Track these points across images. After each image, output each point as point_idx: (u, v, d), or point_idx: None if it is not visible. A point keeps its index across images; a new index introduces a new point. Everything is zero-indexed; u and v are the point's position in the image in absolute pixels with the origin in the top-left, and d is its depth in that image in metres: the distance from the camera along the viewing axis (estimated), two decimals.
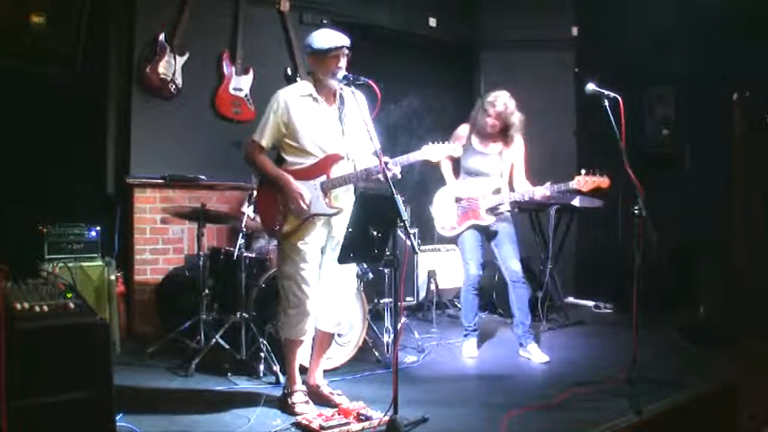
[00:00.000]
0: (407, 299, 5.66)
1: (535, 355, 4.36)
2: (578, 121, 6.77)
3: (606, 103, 3.76)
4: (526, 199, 4.31)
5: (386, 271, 4.56)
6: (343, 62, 3.22)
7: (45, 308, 2.31)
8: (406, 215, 2.89)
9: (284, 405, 3.28)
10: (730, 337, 4.76)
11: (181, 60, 5.06)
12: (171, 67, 5.01)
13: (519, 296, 4.41)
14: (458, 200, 4.45)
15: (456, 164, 4.53)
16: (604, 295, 6.28)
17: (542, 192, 4.21)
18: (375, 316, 4.54)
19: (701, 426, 3.58)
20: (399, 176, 3.17)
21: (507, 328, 5.42)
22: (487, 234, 4.47)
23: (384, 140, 3.50)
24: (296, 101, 3.26)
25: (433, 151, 3.30)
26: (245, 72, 5.37)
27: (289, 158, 3.28)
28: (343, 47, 3.20)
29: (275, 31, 5.66)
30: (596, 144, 6.09)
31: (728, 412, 3.68)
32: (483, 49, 7.00)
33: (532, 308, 4.84)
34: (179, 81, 5.06)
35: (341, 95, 3.34)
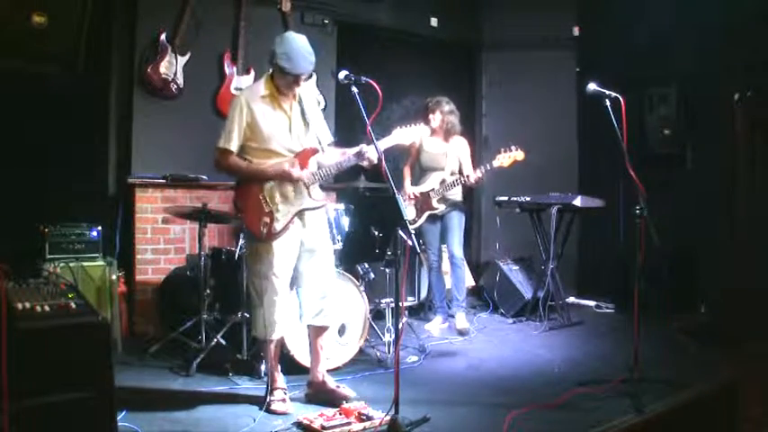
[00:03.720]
0: (409, 299, 5.65)
1: (459, 322, 5.11)
2: (579, 121, 6.75)
3: (607, 102, 3.76)
4: (462, 182, 4.99)
5: (387, 271, 4.56)
6: (297, 88, 3.26)
7: (46, 308, 2.32)
8: (407, 214, 2.90)
9: (264, 403, 3.28)
10: (731, 338, 4.76)
11: (182, 60, 5.05)
12: (172, 66, 5.01)
13: (457, 276, 5.14)
14: (415, 197, 5.14)
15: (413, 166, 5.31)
16: (606, 295, 6.27)
17: (475, 176, 4.89)
18: (376, 316, 4.53)
19: (702, 426, 3.58)
20: (375, 161, 3.24)
21: (508, 328, 5.43)
22: (441, 221, 5.16)
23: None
24: (257, 102, 3.27)
25: (403, 134, 3.42)
26: (247, 72, 5.36)
27: (255, 161, 3.29)
28: (301, 75, 3.21)
29: (277, 30, 5.63)
30: (597, 144, 6.09)
31: (729, 412, 3.68)
32: (484, 49, 6.99)
33: (532, 307, 5.57)
34: (180, 81, 5.06)
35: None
